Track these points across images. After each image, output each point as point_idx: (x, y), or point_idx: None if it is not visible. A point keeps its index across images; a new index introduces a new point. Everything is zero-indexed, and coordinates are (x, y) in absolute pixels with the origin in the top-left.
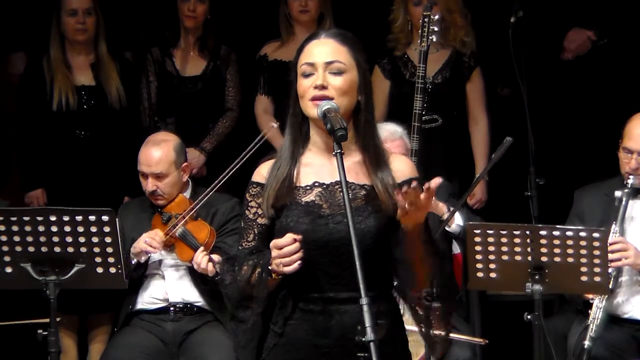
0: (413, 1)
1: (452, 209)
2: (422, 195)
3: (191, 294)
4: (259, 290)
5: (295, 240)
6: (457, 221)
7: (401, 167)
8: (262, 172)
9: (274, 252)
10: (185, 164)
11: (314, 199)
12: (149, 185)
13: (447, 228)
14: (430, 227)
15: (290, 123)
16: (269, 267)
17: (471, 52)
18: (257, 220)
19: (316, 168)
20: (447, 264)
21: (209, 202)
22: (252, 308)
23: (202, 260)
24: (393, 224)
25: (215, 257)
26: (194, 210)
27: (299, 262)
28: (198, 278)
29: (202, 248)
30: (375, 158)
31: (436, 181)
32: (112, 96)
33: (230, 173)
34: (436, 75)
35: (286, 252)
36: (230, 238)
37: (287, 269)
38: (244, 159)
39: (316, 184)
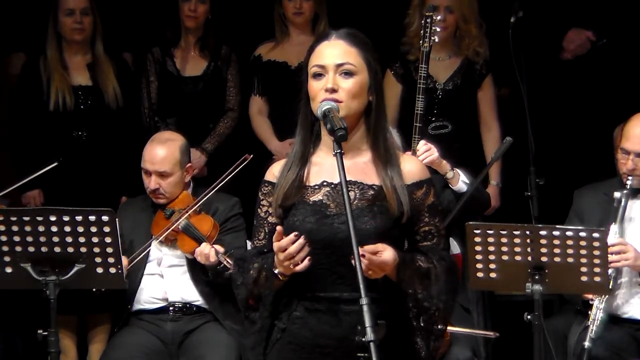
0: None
1: (455, 169)
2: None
3: (190, 294)
4: (264, 293)
5: (296, 237)
6: (462, 178)
7: (411, 168)
8: (274, 171)
9: (280, 255)
10: (189, 164)
11: (321, 198)
12: (152, 183)
13: (452, 187)
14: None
15: (301, 123)
16: (274, 270)
17: (483, 60)
18: (268, 219)
19: (326, 168)
20: (441, 272)
21: (209, 201)
22: (259, 310)
23: (210, 252)
24: (398, 226)
25: (219, 248)
26: (191, 210)
27: (308, 258)
28: (198, 276)
29: (206, 243)
30: (385, 158)
31: (373, 250)
32: (109, 96)
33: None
34: (447, 82)
35: (292, 252)
36: (229, 236)
37: (298, 268)
38: (228, 178)
39: (324, 184)
